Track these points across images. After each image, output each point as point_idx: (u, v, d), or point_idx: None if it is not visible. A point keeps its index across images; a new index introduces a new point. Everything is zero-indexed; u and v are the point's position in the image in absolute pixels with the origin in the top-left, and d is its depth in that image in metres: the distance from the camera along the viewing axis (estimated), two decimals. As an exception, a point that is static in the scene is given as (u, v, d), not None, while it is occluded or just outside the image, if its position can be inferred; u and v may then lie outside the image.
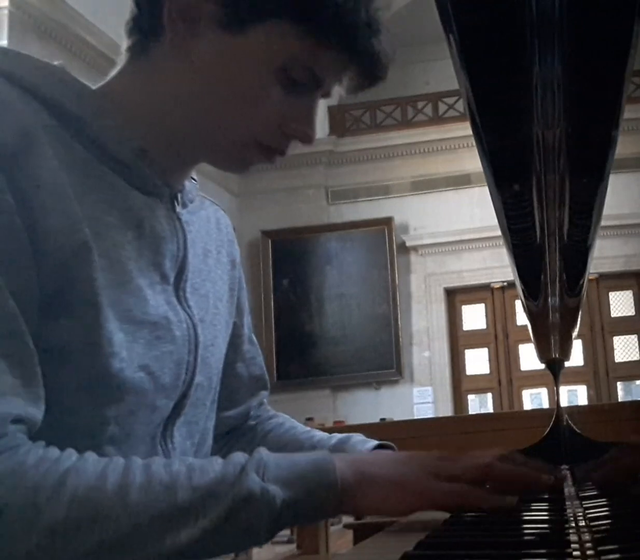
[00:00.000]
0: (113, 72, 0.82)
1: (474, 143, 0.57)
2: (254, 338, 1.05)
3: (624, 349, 9.16)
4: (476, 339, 9.50)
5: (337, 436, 0.99)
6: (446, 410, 8.99)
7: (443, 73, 6.95)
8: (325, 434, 1.01)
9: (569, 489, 0.89)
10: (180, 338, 0.79)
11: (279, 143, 0.81)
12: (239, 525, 0.62)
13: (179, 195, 0.85)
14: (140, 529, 0.59)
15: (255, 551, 4.60)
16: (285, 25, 0.75)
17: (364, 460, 0.69)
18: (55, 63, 0.79)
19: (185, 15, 0.76)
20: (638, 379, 9.13)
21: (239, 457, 0.65)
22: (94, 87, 0.80)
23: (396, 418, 7.37)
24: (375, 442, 0.99)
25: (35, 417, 0.64)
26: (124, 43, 0.81)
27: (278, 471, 0.64)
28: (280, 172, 9.52)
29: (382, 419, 7.21)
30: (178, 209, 0.84)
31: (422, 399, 9.08)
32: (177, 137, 0.80)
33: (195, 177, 0.92)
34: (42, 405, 0.66)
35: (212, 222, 0.95)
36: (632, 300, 9.22)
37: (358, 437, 1.00)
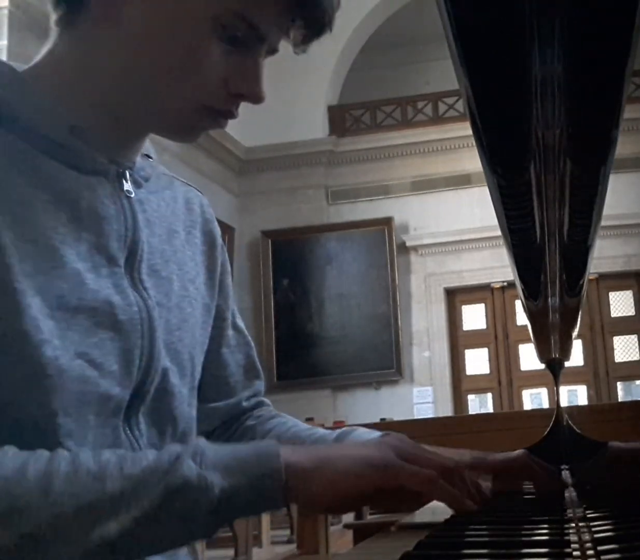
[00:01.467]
0: (43, 50, 0.78)
1: (474, 143, 0.57)
2: (242, 326, 1.00)
3: (624, 349, 9.16)
4: (476, 339, 9.50)
5: (339, 430, 0.95)
6: (446, 410, 8.99)
7: (443, 73, 6.95)
8: (329, 431, 0.96)
9: (569, 490, 0.89)
10: (127, 323, 0.75)
11: (225, 104, 0.76)
12: (174, 514, 0.59)
13: (128, 173, 0.80)
14: (64, 520, 0.57)
15: (256, 551, 4.60)
16: None
17: (319, 448, 0.68)
18: None
19: None
20: (638, 379, 9.13)
21: (175, 446, 0.63)
22: (23, 68, 0.77)
23: (396, 418, 7.37)
24: (379, 433, 0.93)
25: None
26: (51, 18, 0.76)
27: (217, 458, 0.61)
28: (280, 172, 9.52)
29: (382, 419, 7.20)
30: (127, 186, 0.80)
31: (422, 399, 9.08)
32: (118, 110, 0.77)
33: (152, 155, 0.88)
34: None
35: (180, 201, 0.90)
36: (632, 300, 9.22)
37: (361, 429, 0.96)
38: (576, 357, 8.83)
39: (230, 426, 0.99)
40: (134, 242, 0.78)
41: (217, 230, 0.96)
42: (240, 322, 1.00)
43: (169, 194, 0.89)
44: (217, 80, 0.74)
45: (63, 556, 0.58)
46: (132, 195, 0.80)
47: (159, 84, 0.74)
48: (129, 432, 0.75)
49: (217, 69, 0.74)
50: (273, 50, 0.78)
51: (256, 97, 0.76)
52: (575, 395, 8.90)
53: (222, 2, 0.72)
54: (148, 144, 0.86)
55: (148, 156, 0.86)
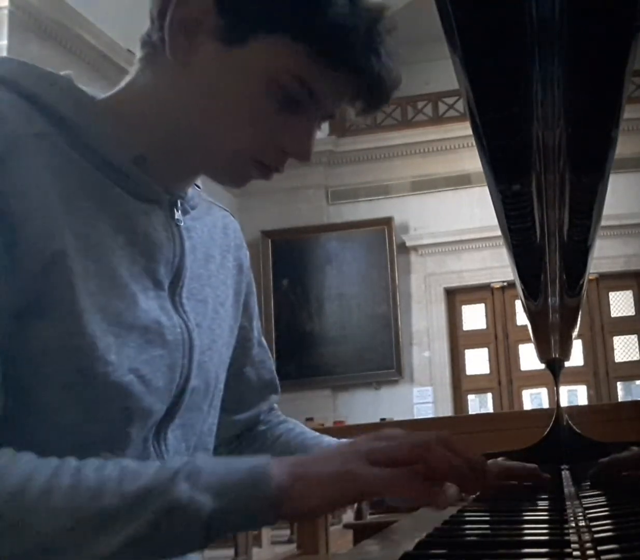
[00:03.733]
0: (122, 83, 0.83)
1: (474, 143, 0.57)
2: (264, 341, 1.05)
3: (624, 349, 9.16)
4: (476, 339, 9.50)
5: (344, 440, 0.97)
6: (446, 410, 8.99)
7: (443, 73, 6.94)
8: (334, 439, 1.00)
9: (569, 489, 0.89)
10: (172, 342, 0.79)
11: (274, 160, 0.82)
12: (165, 534, 0.61)
13: (179, 202, 0.85)
14: (62, 535, 0.59)
15: (256, 551, 4.60)
16: (282, 40, 0.75)
17: (302, 461, 0.67)
18: (62, 73, 0.80)
19: (185, 26, 0.77)
20: (638, 379, 9.13)
21: (175, 462, 0.64)
22: (101, 96, 0.81)
23: (396, 418, 7.37)
24: None
25: None
26: (137, 54, 0.82)
27: (211, 479, 0.62)
28: (280, 172, 9.52)
29: (382, 419, 7.21)
30: (177, 215, 0.85)
31: (422, 399, 9.08)
32: (177, 148, 0.81)
33: (199, 185, 0.92)
34: None
35: (218, 227, 0.95)
36: (632, 300, 9.22)
37: None
38: (576, 357, 8.83)
39: (246, 434, 1.05)
40: (179, 268, 0.83)
41: (247, 255, 1.01)
42: (263, 340, 1.05)
43: (210, 219, 0.93)
44: (268, 135, 0.79)
45: None
46: (182, 224, 0.85)
47: (214, 133, 0.79)
48: (156, 445, 0.79)
49: (268, 126, 0.79)
50: (330, 116, 0.82)
51: (303, 157, 0.82)
52: (575, 395, 8.90)
53: (284, 64, 0.76)
54: None
55: (196, 185, 0.91)
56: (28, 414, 0.69)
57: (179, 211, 0.85)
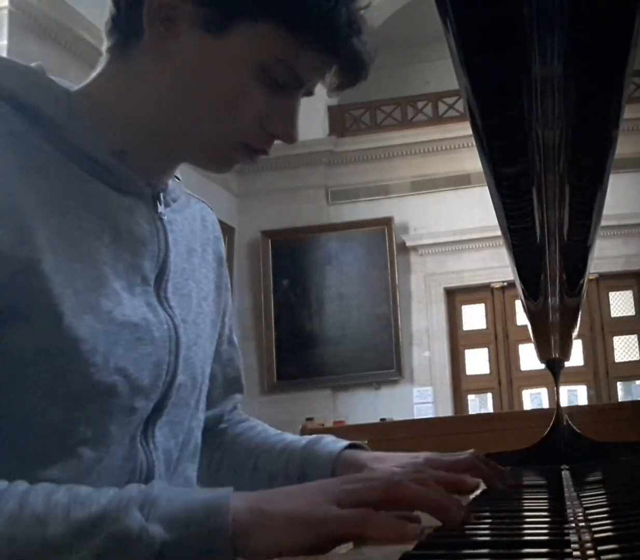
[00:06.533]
0: (93, 74, 0.81)
1: (474, 143, 0.57)
2: (235, 339, 1.03)
3: (624, 349, 9.16)
4: (476, 339, 9.50)
5: (308, 437, 0.97)
6: (446, 410, 8.99)
7: (443, 73, 6.94)
8: (297, 437, 0.99)
9: (569, 489, 0.89)
10: (159, 339, 0.78)
11: (261, 142, 0.82)
12: None
13: (162, 195, 0.84)
14: None
15: (255, 551, 4.59)
16: (266, 26, 0.75)
17: (265, 498, 0.62)
18: (33, 65, 0.78)
19: (164, 15, 0.75)
20: (638, 379, 9.13)
21: (131, 490, 0.60)
22: (73, 89, 0.80)
23: (396, 418, 7.36)
24: (346, 442, 0.96)
25: None
26: (104, 44, 0.80)
27: (167, 509, 0.58)
28: (280, 172, 9.51)
29: (382, 419, 7.19)
30: (160, 208, 0.84)
31: (422, 399, 9.07)
32: (158, 138, 0.80)
33: (179, 176, 0.92)
34: None
35: (197, 219, 0.94)
36: (632, 300, 9.21)
37: (329, 437, 0.98)
38: (576, 357, 8.82)
39: (208, 433, 1.02)
40: (164, 263, 0.82)
41: (223, 248, 1.00)
42: (234, 337, 1.04)
43: (189, 212, 0.92)
44: (255, 120, 0.79)
45: None
46: (165, 218, 0.84)
47: (200, 120, 0.78)
48: (144, 443, 0.78)
49: (255, 110, 0.78)
50: (309, 93, 0.82)
51: (290, 138, 0.82)
52: (575, 395, 8.89)
53: (268, 49, 0.76)
54: None
55: (176, 177, 0.91)
56: (7, 417, 0.68)
57: (162, 204, 0.84)
